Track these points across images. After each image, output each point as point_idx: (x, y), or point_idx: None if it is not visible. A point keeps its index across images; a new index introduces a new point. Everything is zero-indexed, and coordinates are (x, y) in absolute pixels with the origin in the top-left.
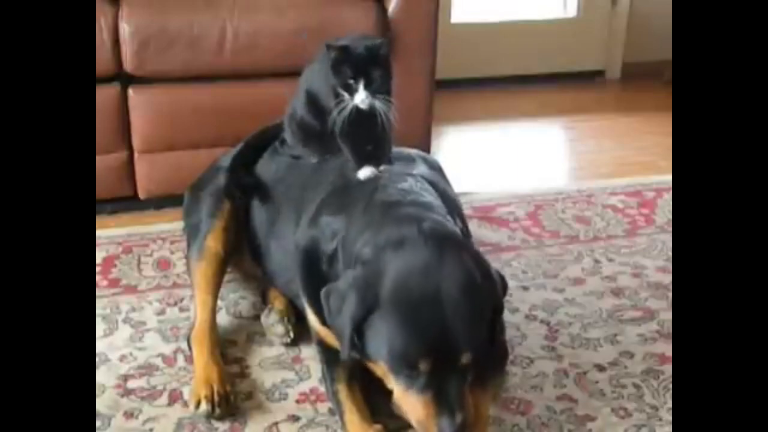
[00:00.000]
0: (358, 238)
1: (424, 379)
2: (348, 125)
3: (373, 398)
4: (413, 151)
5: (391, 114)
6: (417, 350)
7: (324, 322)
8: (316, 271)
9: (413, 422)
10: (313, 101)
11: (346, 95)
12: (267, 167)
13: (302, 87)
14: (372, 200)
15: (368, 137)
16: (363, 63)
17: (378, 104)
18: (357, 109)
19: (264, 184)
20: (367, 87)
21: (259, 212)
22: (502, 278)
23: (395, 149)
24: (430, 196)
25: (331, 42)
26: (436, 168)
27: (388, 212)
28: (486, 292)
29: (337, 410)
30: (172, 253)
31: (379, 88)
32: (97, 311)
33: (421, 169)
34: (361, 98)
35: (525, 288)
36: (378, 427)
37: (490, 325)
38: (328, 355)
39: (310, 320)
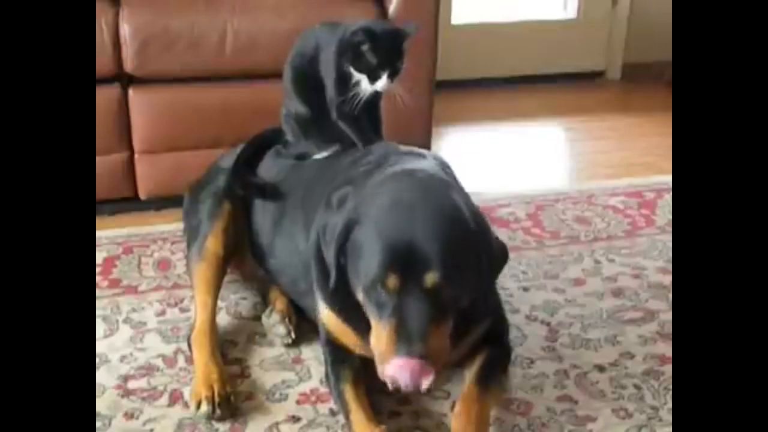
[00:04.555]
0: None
1: (391, 303)
2: (358, 109)
3: (376, 399)
4: (423, 150)
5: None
6: (384, 263)
7: (341, 319)
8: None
9: (377, 358)
10: (303, 89)
11: (363, 79)
12: (270, 169)
13: (288, 79)
14: (385, 170)
15: (369, 117)
16: (388, 52)
17: (395, 87)
18: (366, 92)
19: (269, 183)
20: (389, 76)
21: (262, 212)
22: (504, 247)
23: (405, 147)
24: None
25: (355, 26)
26: (446, 167)
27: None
28: (473, 232)
29: (342, 410)
30: (172, 253)
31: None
32: (98, 312)
33: (433, 164)
34: (382, 84)
35: (525, 289)
36: (383, 427)
37: (480, 273)
38: (336, 355)
39: (322, 316)
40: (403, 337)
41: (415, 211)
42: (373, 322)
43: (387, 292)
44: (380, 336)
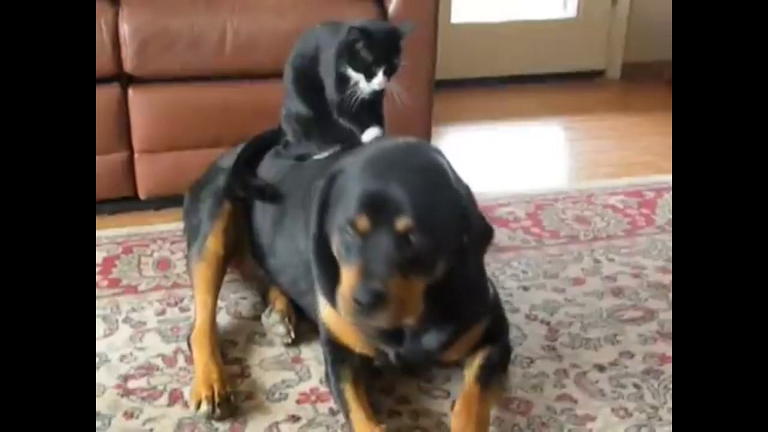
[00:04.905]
0: None
1: (359, 243)
2: (357, 107)
3: (375, 399)
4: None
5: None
6: (357, 205)
7: (342, 318)
8: (331, 258)
9: (340, 306)
10: (304, 89)
11: (361, 78)
12: (269, 170)
13: (288, 80)
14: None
15: (370, 114)
16: (384, 49)
17: (393, 86)
18: (364, 92)
19: (269, 184)
20: (386, 73)
21: (262, 212)
22: (489, 226)
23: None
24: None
25: (354, 24)
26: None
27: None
28: (454, 190)
29: (342, 409)
30: (172, 253)
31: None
32: (97, 311)
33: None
34: (378, 81)
35: (525, 288)
36: (383, 426)
37: (460, 240)
38: (336, 354)
39: (322, 315)
40: (364, 276)
41: (396, 162)
42: (342, 268)
43: (357, 234)
44: (344, 280)
